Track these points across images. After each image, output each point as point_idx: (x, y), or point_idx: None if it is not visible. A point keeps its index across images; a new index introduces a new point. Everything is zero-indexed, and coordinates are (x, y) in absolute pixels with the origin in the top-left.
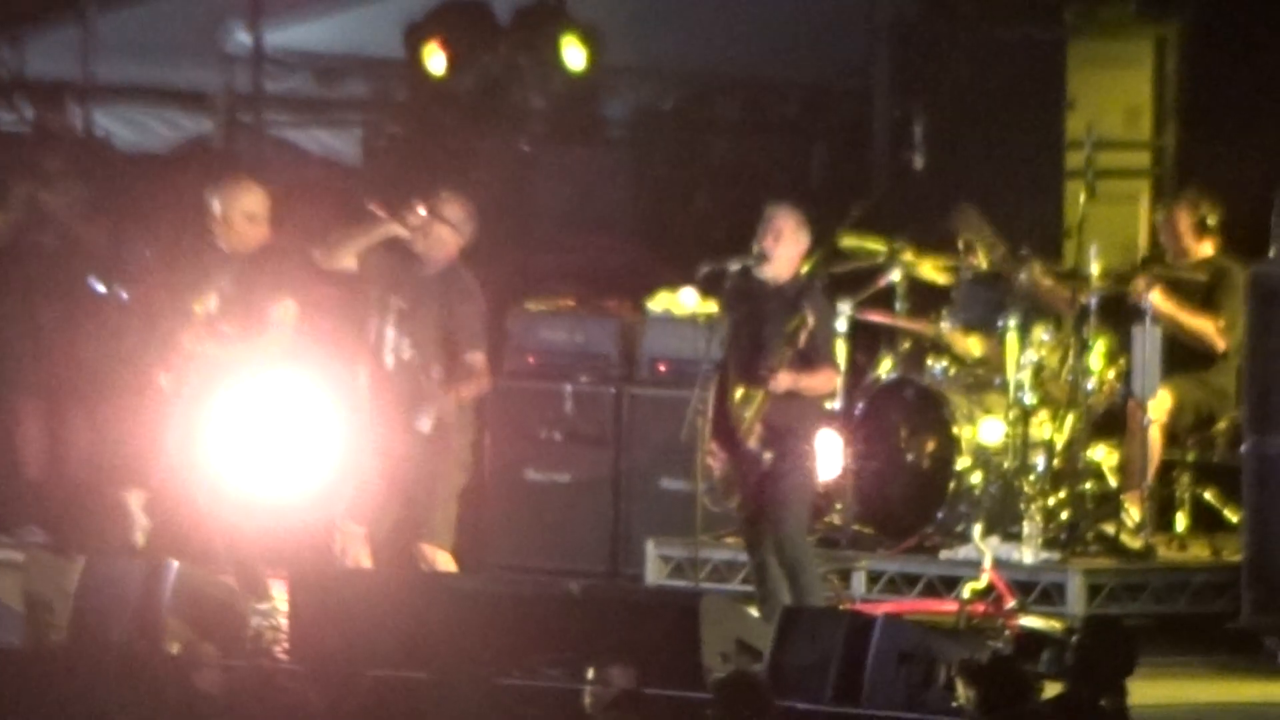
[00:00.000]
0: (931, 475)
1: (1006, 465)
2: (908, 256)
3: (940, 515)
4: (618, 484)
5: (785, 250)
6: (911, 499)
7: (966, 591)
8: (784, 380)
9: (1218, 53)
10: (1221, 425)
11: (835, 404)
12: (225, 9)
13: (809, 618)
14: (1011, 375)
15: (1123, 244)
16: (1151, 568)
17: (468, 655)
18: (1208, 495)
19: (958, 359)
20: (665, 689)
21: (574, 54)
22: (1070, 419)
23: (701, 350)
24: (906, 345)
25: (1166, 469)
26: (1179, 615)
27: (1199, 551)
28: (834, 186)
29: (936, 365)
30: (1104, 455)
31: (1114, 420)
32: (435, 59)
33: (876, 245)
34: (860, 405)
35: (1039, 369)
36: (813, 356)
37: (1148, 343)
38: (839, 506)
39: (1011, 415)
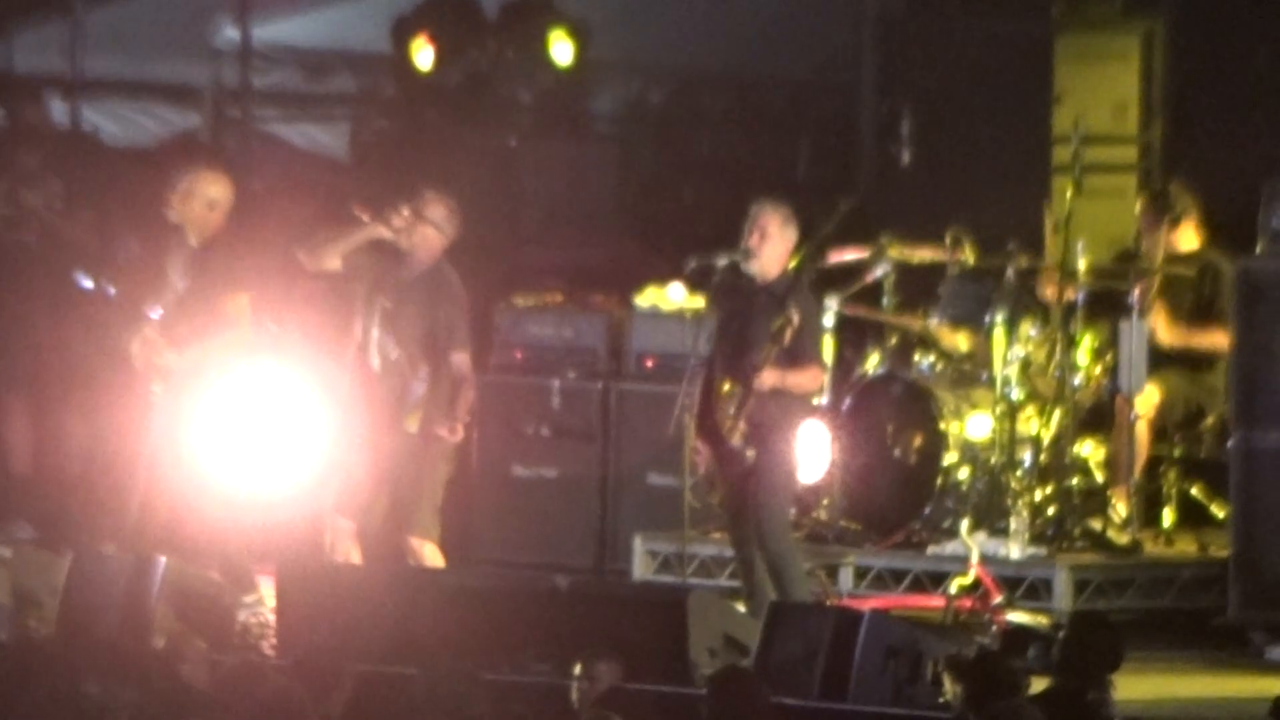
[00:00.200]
0: (918, 470)
1: (993, 460)
2: (895, 251)
3: (927, 510)
4: (605, 479)
5: (772, 248)
6: (898, 494)
7: (953, 587)
8: (769, 378)
9: (1204, 47)
10: (1209, 421)
11: (822, 399)
12: (213, 4)
13: (796, 613)
14: (999, 370)
15: (1110, 239)
16: (1138, 563)
17: (455, 650)
18: (1194, 490)
19: (945, 354)
20: (652, 684)
21: (561, 49)
22: (1057, 414)
23: (689, 345)
24: (894, 340)
25: (1153, 464)
26: (1166, 610)
27: (1186, 547)
28: (820, 181)
29: (924, 360)
30: (1091, 450)
31: (1101, 415)
32: (423, 54)
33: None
34: (847, 400)
35: (1026, 364)
36: (798, 354)
37: (1135, 338)
38: (826, 502)
39: (998, 410)
